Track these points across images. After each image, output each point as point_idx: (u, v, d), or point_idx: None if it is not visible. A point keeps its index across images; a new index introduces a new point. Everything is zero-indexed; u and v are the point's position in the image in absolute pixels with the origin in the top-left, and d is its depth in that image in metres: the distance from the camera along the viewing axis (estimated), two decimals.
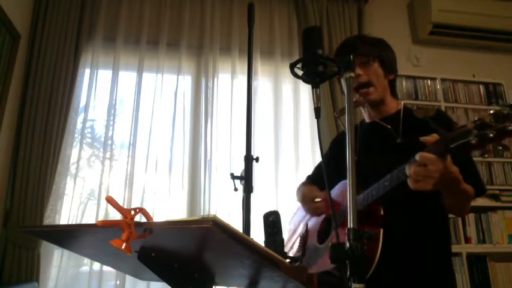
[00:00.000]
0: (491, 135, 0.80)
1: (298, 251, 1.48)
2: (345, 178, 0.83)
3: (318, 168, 1.73)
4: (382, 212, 1.16)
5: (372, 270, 1.06)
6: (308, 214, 1.54)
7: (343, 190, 1.36)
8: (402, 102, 1.41)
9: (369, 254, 1.09)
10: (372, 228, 1.12)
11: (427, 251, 1.23)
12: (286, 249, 1.50)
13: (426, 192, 0.95)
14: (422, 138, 0.96)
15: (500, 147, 0.82)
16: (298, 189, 1.65)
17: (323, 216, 1.46)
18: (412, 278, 1.20)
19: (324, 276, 1.19)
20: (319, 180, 1.62)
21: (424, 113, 1.24)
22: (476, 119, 0.84)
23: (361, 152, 1.35)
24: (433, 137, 0.95)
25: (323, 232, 1.43)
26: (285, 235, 1.59)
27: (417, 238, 1.23)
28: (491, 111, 0.81)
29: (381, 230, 1.12)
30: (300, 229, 1.57)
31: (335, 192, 1.40)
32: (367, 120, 1.48)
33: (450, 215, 1.29)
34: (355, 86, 1.35)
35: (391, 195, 1.12)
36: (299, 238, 1.53)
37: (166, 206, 2.50)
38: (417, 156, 0.94)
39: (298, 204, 1.63)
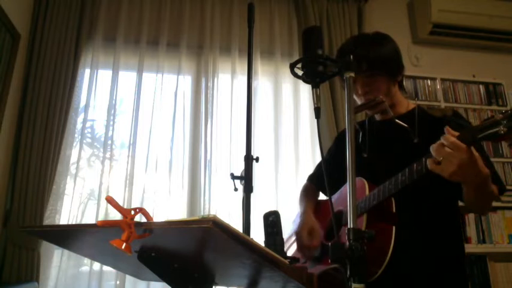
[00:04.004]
0: None
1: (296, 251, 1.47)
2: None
3: (319, 167, 1.69)
4: (394, 210, 1.15)
5: (383, 267, 1.06)
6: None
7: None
8: (417, 101, 1.38)
9: (380, 252, 1.08)
10: (386, 226, 1.12)
11: (439, 252, 1.20)
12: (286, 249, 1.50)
13: (441, 191, 0.92)
14: (447, 130, 0.94)
15: None
16: (301, 198, 1.61)
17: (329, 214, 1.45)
18: (423, 279, 1.19)
19: (331, 271, 1.19)
20: (321, 179, 1.60)
21: (442, 112, 1.23)
22: (504, 111, 0.86)
23: (373, 150, 1.32)
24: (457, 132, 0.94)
25: (330, 230, 1.42)
26: (286, 235, 1.59)
27: (428, 238, 1.21)
28: None
29: (393, 228, 1.11)
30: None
31: (343, 191, 1.38)
32: (377, 118, 1.43)
33: None
34: (364, 101, 1.29)
35: (404, 193, 1.10)
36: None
37: (166, 206, 2.50)
38: (443, 138, 0.93)
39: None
